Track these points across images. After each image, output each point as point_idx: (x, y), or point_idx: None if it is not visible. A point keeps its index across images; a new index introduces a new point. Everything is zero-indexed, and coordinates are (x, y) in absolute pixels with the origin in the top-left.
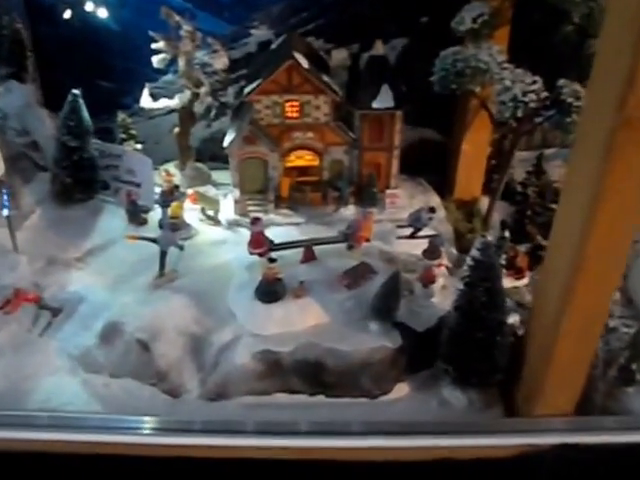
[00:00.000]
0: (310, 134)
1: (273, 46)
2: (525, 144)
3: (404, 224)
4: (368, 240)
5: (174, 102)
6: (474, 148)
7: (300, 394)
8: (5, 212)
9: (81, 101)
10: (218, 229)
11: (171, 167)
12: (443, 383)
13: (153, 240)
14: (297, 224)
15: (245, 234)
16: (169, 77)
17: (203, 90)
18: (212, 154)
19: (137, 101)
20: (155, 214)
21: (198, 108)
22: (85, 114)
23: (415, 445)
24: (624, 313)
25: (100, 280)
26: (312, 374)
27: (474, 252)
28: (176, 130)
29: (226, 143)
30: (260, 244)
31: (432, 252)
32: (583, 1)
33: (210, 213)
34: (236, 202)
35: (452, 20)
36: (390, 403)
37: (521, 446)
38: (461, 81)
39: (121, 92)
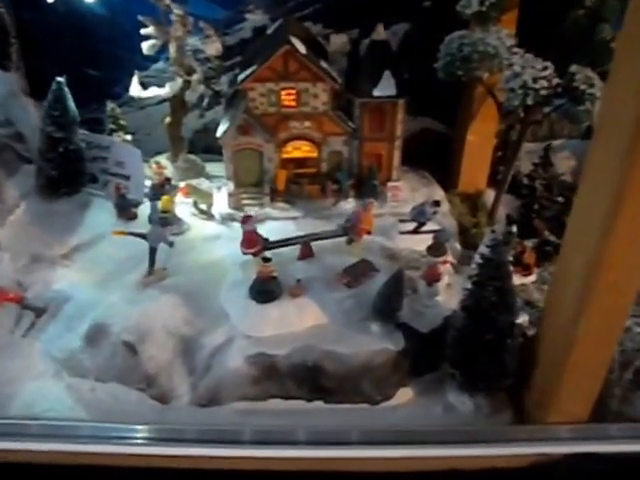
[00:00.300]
0: (308, 124)
1: (269, 31)
2: (531, 135)
3: (407, 218)
4: (369, 232)
5: (165, 91)
6: (479, 139)
7: (297, 400)
8: None
9: (66, 89)
10: (211, 224)
11: (163, 159)
12: (449, 388)
13: (142, 236)
14: (294, 218)
15: (240, 229)
16: (160, 65)
17: (195, 78)
18: (206, 145)
19: (127, 90)
20: (145, 208)
21: (190, 97)
22: (70, 103)
23: (419, 455)
24: (636, 312)
25: (87, 278)
26: (309, 379)
27: (483, 249)
28: (167, 120)
29: (219, 133)
30: (253, 243)
31: (437, 248)
32: None
33: (203, 207)
34: (230, 195)
35: (457, 3)
36: (392, 409)
37: (532, 456)
38: (468, 67)
39: (110, 81)
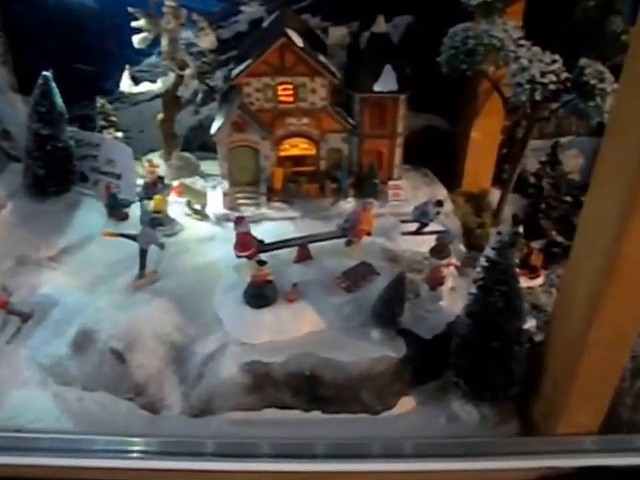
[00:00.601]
0: (305, 120)
1: (265, 24)
2: (538, 132)
3: (409, 219)
4: (369, 234)
5: (157, 86)
6: (484, 136)
7: (293, 410)
8: None
9: (53, 84)
10: (205, 224)
11: (156, 157)
12: (453, 397)
13: (132, 237)
14: (291, 219)
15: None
16: (153, 59)
17: (188, 72)
18: (201, 143)
19: (118, 86)
20: (137, 208)
21: (183, 92)
22: (58, 99)
23: (421, 469)
24: None
25: (75, 281)
26: (307, 387)
27: (489, 251)
28: (160, 116)
29: (213, 130)
30: (247, 246)
31: (440, 250)
32: None
33: (197, 207)
34: (225, 195)
35: None
36: (394, 419)
37: (540, 469)
38: (472, 61)
39: (101, 76)
